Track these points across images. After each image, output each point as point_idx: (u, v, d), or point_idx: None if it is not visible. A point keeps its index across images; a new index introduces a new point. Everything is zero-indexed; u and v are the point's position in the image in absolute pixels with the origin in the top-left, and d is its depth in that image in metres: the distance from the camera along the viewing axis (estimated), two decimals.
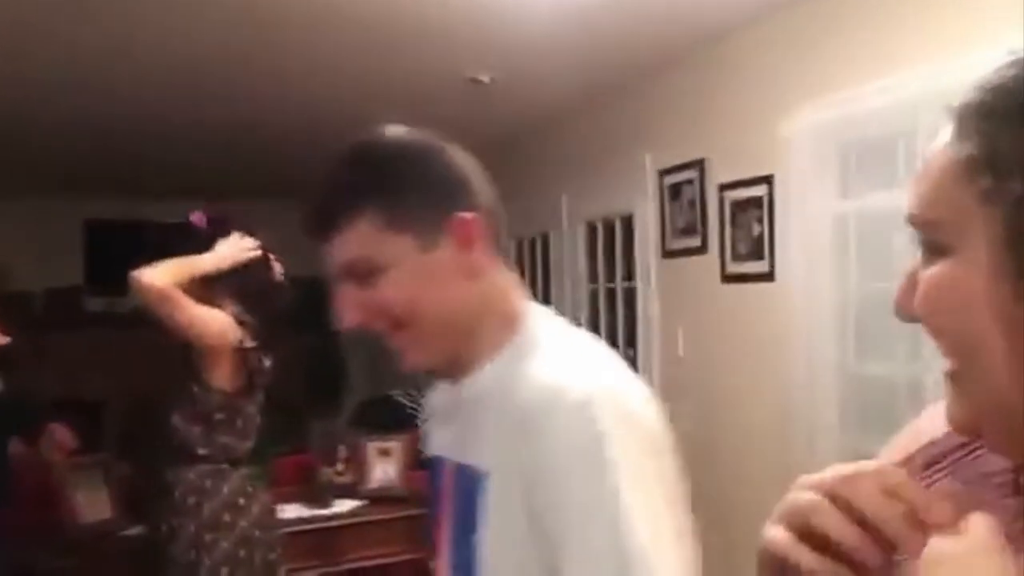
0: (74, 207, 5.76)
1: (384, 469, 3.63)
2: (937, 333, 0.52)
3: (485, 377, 0.94)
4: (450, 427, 1.00)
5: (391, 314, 0.91)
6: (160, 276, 2.36)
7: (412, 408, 5.05)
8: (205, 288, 2.47)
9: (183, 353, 2.48)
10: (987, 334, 0.48)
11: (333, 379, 6.45)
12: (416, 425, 4.13)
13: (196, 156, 4.79)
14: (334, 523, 3.35)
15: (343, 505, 3.44)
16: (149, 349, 2.66)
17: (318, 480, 3.49)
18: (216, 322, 2.46)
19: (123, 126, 4.05)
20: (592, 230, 4.12)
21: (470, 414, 0.95)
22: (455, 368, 0.97)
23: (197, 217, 2.65)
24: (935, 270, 0.51)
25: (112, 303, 5.22)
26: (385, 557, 3.36)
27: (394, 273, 0.90)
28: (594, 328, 4.07)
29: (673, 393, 3.38)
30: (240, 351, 2.50)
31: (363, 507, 3.48)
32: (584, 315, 4.11)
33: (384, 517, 3.41)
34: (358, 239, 0.90)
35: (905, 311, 0.53)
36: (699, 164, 3.21)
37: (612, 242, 3.97)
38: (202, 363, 2.47)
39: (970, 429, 0.53)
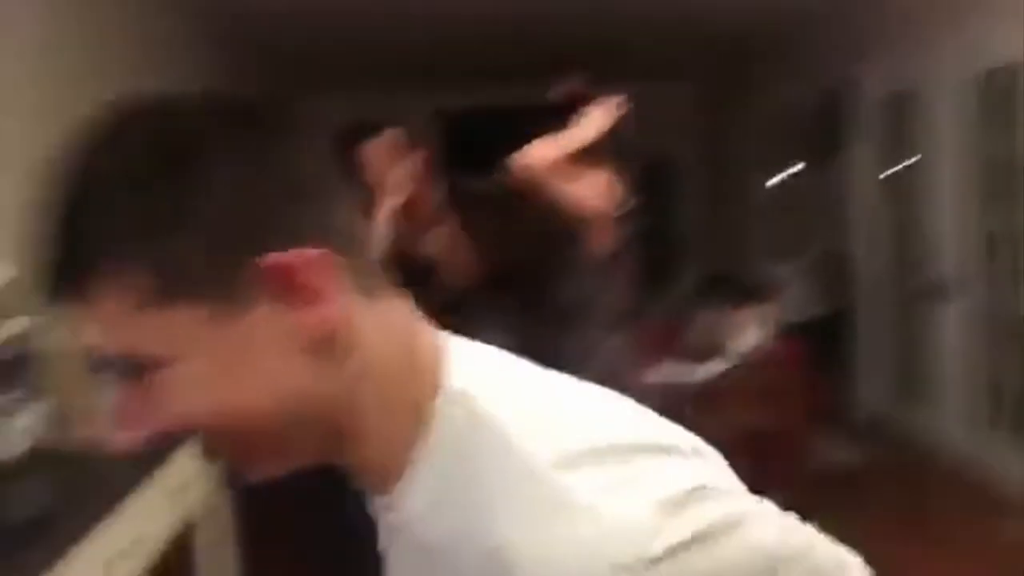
0: (423, 96, 6.26)
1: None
2: None
3: (417, 500, 0.61)
4: (396, 552, 0.67)
5: (191, 425, 0.59)
6: (536, 156, 2.52)
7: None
8: (580, 159, 2.60)
9: (564, 225, 2.66)
10: None
11: (671, 254, 6.62)
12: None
13: (527, 38, 4.97)
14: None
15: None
16: (515, 228, 2.87)
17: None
18: (596, 191, 2.60)
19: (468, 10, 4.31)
20: (979, 87, 3.55)
21: (412, 546, 0.63)
22: (358, 474, 0.65)
23: (565, 89, 2.71)
24: None
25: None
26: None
27: (181, 366, 0.56)
28: (982, 219, 3.56)
29: None
30: (618, 218, 2.64)
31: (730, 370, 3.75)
32: (965, 200, 3.61)
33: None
34: (112, 322, 0.56)
35: None
36: None
37: (1008, 102, 3.39)
38: (584, 233, 2.64)
39: None
